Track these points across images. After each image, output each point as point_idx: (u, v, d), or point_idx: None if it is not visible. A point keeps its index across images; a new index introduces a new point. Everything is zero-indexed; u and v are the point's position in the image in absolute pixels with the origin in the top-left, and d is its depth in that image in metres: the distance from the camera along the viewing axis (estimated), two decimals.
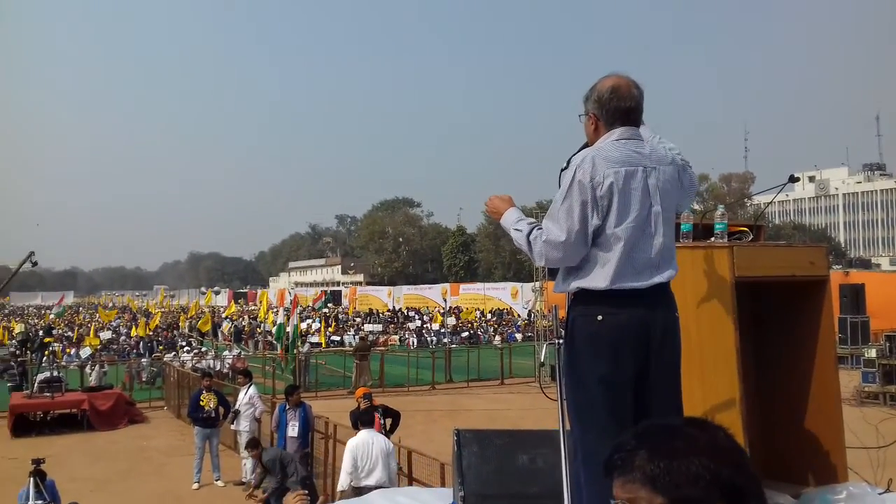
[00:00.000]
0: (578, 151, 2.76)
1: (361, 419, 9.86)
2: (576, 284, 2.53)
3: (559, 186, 2.79)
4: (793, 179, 4.06)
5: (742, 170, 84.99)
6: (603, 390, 2.46)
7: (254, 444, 9.56)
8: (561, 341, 2.72)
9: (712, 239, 3.60)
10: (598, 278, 2.47)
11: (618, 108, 2.57)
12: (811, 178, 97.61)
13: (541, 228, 2.53)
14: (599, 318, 2.48)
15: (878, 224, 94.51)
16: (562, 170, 2.83)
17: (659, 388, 2.54)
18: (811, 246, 4.16)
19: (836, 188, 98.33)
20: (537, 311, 28.17)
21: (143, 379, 22.20)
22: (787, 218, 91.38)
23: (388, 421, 9.86)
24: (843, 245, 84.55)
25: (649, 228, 2.52)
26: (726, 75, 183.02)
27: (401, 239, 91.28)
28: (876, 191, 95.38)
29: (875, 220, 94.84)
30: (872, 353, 17.72)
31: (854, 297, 21.30)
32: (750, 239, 3.72)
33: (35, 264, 8.50)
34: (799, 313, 3.89)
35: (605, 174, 2.45)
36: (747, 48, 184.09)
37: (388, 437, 9.58)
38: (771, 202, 4.74)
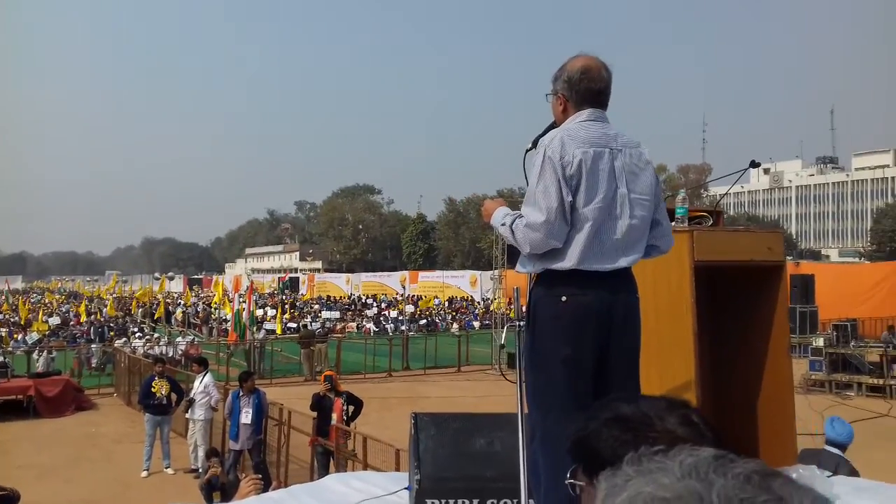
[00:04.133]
0: (544, 132, 2.73)
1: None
2: (541, 264, 2.49)
3: (523, 166, 2.77)
4: (753, 164, 4.08)
5: (700, 161, 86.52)
6: (564, 372, 2.43)
7: (214, 454, 9.44)
8: (522, 324, 2.68)
9: (673, 223, 3.60)
10: (564, 258, 2.44)
11: (588, 89, 2.55)
12: (766, 170, 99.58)
13: (521, 216, 2.49)
14: (563, 299, 2.44)
15: (828, 216, 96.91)
16: (526, 150, 2.80)
17: (618, 370, 2.52)
18: (769, 231, 4.19)
19: (790, 180, 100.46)
20: (496, 298, 28.31)
21: (93, 365, 21.72)
22: (742, 209, 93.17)
23: (351, 408, 9.81)
24: (794, 236, 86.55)
25: (615, 210, 2.49)
26: (684, 68, 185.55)
27: (360, 226, 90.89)
28: (828, 184, 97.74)
29: (826, 212, 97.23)
30: (820, 343, 18.15)
31: (804, 287, 21.78)
32: (710, 224, 3.74)
33: None
34: (756, 298, 3.92)
35: (573, 153, 2.42)
36: (705, 41, 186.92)
37: (349, 424, 9.55)
38: (730, 189, 4.72)
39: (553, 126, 2.69)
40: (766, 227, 72.84)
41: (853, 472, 4.72)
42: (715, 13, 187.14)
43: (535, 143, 2.74)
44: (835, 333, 18.51)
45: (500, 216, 2.63)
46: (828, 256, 76.47)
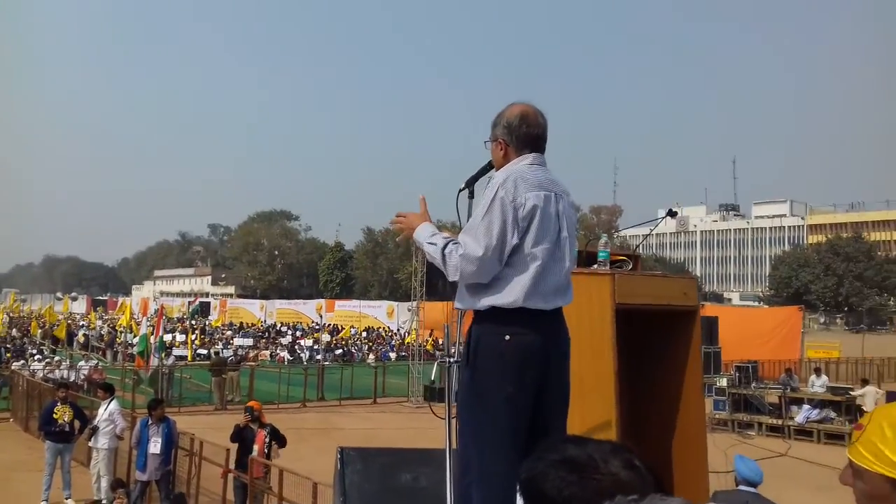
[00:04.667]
0: (479, 173, 2.83)
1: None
2: (487, 301, 2.52)
3: (457, 206, 2.84)
4: (671, 213, 4.30)
5: (611, 202, 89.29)
6: (506, 410, 2.47)
7: (119, 485, 9.06)
8: (452, 360, 2.73)
9: (595, 266, 3.76)
10: (511, 296, 2.49)
11: (527, 134, 2.65)
12: (672, 215, 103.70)
13: (457, 243, 2.52)
14: (507, 337, 2.49)
15: (730, 261, 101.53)
16: (459, 190, 2.87)
17: (553, 409, 2.60)
18: (684, 277, 4.42)
19: (695, 225, 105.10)
20: (413, 329, 28.27)
21: None
22: (651, 251, 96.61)
23: (275, 445, 9.59)
24: (698, 279, 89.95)
25: (559, 252, 2.60)
26: (597, 109, 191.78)
27: (276, 252, 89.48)
28: (730, 229, 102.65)
29: (728, 256, 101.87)
30: (723, 383, 18.87)
31: (709, 328, 22.60)
32: (630, 268, 3.92)
33: None
34: (670, 341, 4.10)
35: (526, 196, 2.49)
36: (620, 86, 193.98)
37: (269, 458, 9.30)
38: (649, 234, 4.90)
39: (487, 168, 2.79)
40: (672, 269, 75.61)
41: None
42: (628, 60, 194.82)
43: (468, 184, 2.85)
44: (737, 374, 19.29)
45: (427, 233, 2.65)
46: (730, 300, 79.94)
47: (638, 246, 5.73)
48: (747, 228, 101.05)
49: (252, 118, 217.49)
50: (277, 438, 9.64)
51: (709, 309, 29.81)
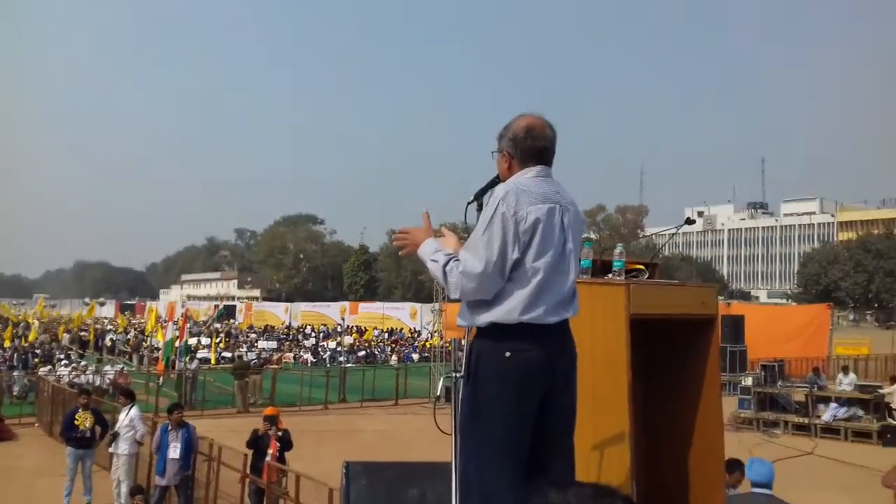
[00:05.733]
0: (487, 186, 2.78)
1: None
2: (486, 318, 2.47)
3: (465, 219, 2.79)
4: (689, 222, 4.18)
5: (637, 202, 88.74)
6: (506, 428, 2.42)
7: (138, 491, 9.09)
8: (459, 375, 2.66)
9: (610, 276, 3.65)
10: (511, 311, 2.44)
11: (532, 147, 2.59)
12: (700, 213, 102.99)
13: (458, 260, 2.47)
14: (508, 354, 2.44)
15: (758, 259, 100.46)
16: (468, 203, 2.83)
17: (556, 427, 2.54)
18: (703, 286, 4.28)
19: (723, 224, 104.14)
20: (435, 331, 28.25)
21: (14, 393, 20.79)
22: (677, 250, 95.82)
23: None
24: (725, 278, 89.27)
25: (564, 265, 2.54)
26: (622, 111, 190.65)
27: (301, 255, 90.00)
28: (758, 227, 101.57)
29: (756, 255, 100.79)
30: (749, 382, 18.63)
31: (734, 327, 22.36)
32: (646, 277, 3.80)
33: None
34: (688, 350, 3.97)
35: (528, 210, 2.44)
36: (643, 87, 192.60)
37: (281, 460, 9.35)
38: (669, 239, 4.78)
39: (496, 181, 2.73)
40: (699, 268, 74.95)
41: None
42: (653, 60, 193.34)
43: (476, 197, 2.80)
44: (763, 373, 19.00)
45: (430, 250, 2.61)
46: (757, 297, 78.91)
47: (662, 246, 5.60)
48: (776, 226, 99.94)
49: (278, 123, 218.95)
50: (285, 444, 9.70)
51: (735, 307, 29.50)
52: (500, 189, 2.53)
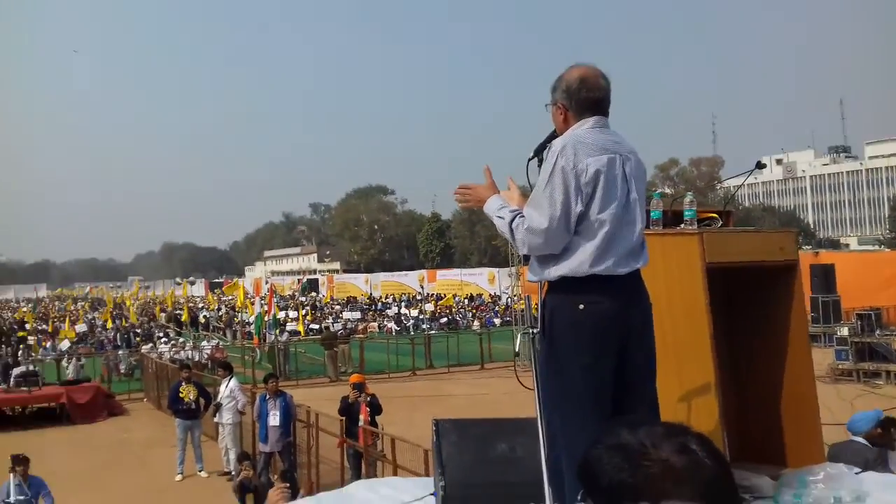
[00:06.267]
0: (546, 141, 2.76)
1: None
2: (556, 271, 2.51)
3: (527, 177, 2.79)
4: (760, 166, 4.13)
5: (711, 154, 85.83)
6: (585, 380, 2.46)
7: (245, 458, 9.59)
8: (535, 331, 2.71)
9: (682, 226, 3.65)
10: (581, 264, 2.46)
11: (588, 97, 2.58)
12: (778, 161, 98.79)
13: (523, 216, 2.51)
14: (581, 306, 2.47)
15: (845, 205, 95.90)
16: (528, 159, 2.82)
17: (638, 377, 2.57)
18: (780, 231, 4.27)
19: (804, 171, 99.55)
20: (514, 295, 28.34)
21: (122, 371, 22.04)
22: (757, 200, 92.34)
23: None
24: (811, 226, 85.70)
25: (629, 215, 2.54)
26: (692, 61, 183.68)
27: (376, 226, 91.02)
28: (842, 172, 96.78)
29: (842, 201, 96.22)
30: (845, 332, 18.03)
31: (824, 277, 21.65)
32: (719, 225, 3.78)
33: None
34: (770, 297, 3.95)
35: (587, 162, 2.45)
36: (711, 34, 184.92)
37: (373, 424, 9.71)
38: (739, 187, 4.70)
39: (554, 135, 2.72)
40: (782, 217, 72.14)
41: (883, 459, 4.77)
42: (721, 6, 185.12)
43: (536, 153, 2.79)
44: (859, 322, 18.38)
45: (495, 206, 2.64)
46: (847, 245, 75.61)
47: (731, 198, 5.53)
48: (861, 170, 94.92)
49: (341, 98, 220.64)
50: (375, 408, 9.99)
51: (824, 256, 28.41)
52: (557, 143, 2.53)
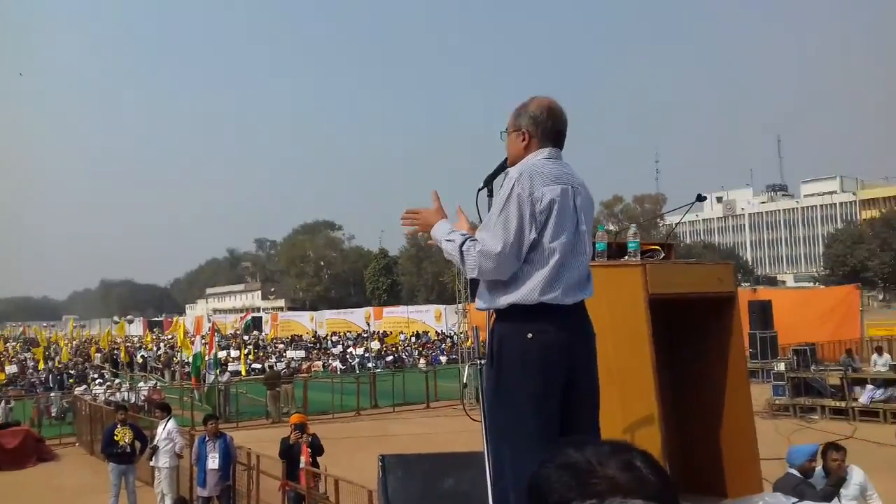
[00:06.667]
0: (496, 171, 2.82)
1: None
2: (505, 300, 2.52)
3: (476, 205, 2.84)
4: (700, 198, 4.25)
5: (654, 191, 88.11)
6: (533, 410, 2.46)
7: (182, 502, 9.25)
8: (482, 362, 2.72)
9: (625, 258, 3.72)
10: (531, 291, 2.47)
11: (553, 128, 2.64)
12: (719, 199, 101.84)
13: (475, 240, 2.52)
14: (530, 335, 2.47)
15: (782, 242, 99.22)
16: (478, 189, 2.87)
17: (583, 408, 2.57)
18: (719, 263, 4.35)
19: (742, 208, 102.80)
20: (461, 333, 28.34)
21: (53, 414, 21.17)
22: (697, 237, 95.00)
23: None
24: (749, 263, 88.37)
25: (579, 246, 2.58)
26: (636, 99, 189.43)
27: (322, 262, 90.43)
28: (779, 210, 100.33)
29: (779, 238, 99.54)
30: (781, 367, 18.42)
31: (762, 312, 22.19)
32: (661, 257, 3.86)
33: None
34: (710, 329, 4.03)
35: (543, 191, 2.48)
36: (655, 73, 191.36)
37: (315, 466, 9.47)
38: (680, 221, 4.82)
39: (504, 164, 2.77)
40: (722, 254, 74.24)
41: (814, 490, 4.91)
42: (664, 44, 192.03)
43: (486, 183, 2.84)
44: (795, 358, 18.82)
45: (444, 230, 2.64)
46: (784, 282, 78.14)
47: (672, 233, 5.65)
48: (797, 208, 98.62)
49: (288, 132, 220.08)
50: (316, 449, 9.78)
51: (762, 293, 29.22)
52: (514, 171, 2.57)
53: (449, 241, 2.59)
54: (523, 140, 2.66)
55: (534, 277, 2.48)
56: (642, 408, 3.46)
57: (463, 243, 2.54)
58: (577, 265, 2.56)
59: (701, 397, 4.07)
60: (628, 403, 3.47)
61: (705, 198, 4.13)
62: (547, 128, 2.63)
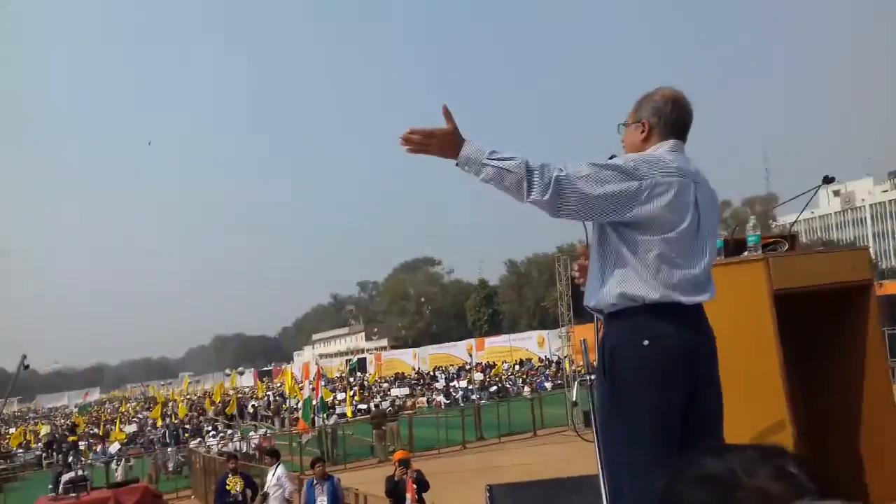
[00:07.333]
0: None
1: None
2: (618, 289, 2.24)
3: (585, 230, 2.58)
4: (828, 180, 3.73)
5: (764, 191, 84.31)
6: (653, 425, 2.19)
7: None
8: (592, 377, 2.45)
9: (745, 253, 3.38)
10: (645, 290, 2.21)
11: (678, 119, 2.42)
12: (836, 192, 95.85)
13: (561, 169, 2.15)
14: (646, 342, 2.21)
15: None
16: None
17: (708, 420, 2.29)
18: (852, 249, 3.91)
19: (863, 199, 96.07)
20: (566, 357, 27.72)
21: (170, 469, 21.84)
22: (815, 235, 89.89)
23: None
24: (874, 257, 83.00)
25: (697, 244, 2.31)
26: (740, 97, 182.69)
27: (423, 299, 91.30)
28: None
29: None
30: None
31: (891, 308, 20.68)
32: (785, 249, 3.48)
33: (27, 367, 8.15)
34: (845, 322, 3.64)
35: (659, 179, 2.23)
36: (762, 71, 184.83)
37: (420, 501, 9.27)
38: (802, 212, 4.23)
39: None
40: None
41: None
42: (765, 38, 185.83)
43: None
44: None
45: (481, 149, 2.19)
46: None
47: (792, 225, 5.14)
48: None
49: (384, 176, 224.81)
50: (422, 484, 9.60)
51: (889, 286, 27.38)
52: (630, 156, 2.32)
53: (505, 158, 2.15)
54: (642, 132, 2.43)
55: (647, 274, 2.22)
56: (772, 414, 3.13)
57: (527, 161, 2.13)
58: (695, 264, 2.28)
59: (836, 396, 3.64)
60: (756, 411, 3.15)
61: (833, 179, 3.69)
62: (671, 120, 2.41)
